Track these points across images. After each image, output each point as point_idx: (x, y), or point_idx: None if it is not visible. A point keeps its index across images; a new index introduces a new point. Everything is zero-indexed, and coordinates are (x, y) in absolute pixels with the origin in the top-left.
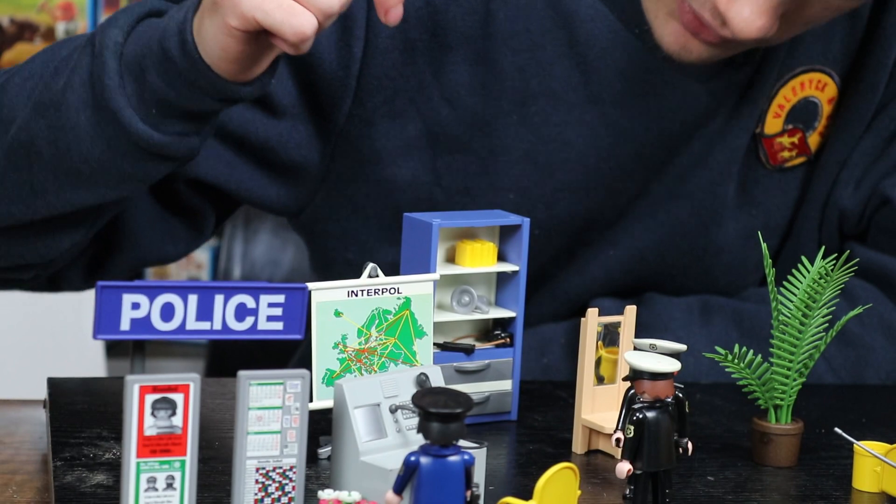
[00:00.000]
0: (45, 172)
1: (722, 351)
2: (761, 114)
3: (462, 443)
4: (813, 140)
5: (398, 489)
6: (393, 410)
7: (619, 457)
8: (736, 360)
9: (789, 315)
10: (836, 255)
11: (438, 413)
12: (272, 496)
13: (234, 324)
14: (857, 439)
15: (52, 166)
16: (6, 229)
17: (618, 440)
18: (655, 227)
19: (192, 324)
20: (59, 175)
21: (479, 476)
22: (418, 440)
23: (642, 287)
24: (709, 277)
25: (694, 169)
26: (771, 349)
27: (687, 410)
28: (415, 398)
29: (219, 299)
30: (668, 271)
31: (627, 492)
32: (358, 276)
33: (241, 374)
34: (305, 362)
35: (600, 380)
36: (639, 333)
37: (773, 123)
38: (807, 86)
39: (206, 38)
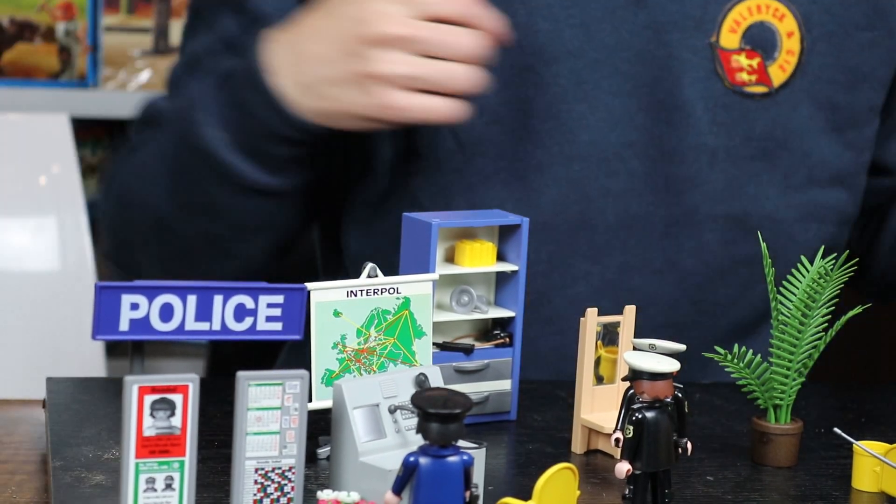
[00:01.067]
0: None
1: (722, 351)
2: (715, 22)
3: (461, 443)
4: (774, 72)
5: (397, 490)
6: (392, 411)
7: (618, 457)
8: (735, 360)
9: (789, 315)
10: (835, 255)
11: (437, 413)
12: (271, 497)
13: (233, 324)
14: (857, 439)
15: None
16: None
17: (617, 440)
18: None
19: (191, 324)
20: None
21: (478, 476)
22: (417, 440)
23: None
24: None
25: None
26: (770, 349)
27: (686, 410)
28: (414, 398)
29: (218, 300)
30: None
31: (627, 492)
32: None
33: (241, 374)
34: (297, 361)
35: (599, 380)
36: None
37: (729, 37)
38: (763, 10)
39: (330, 110)
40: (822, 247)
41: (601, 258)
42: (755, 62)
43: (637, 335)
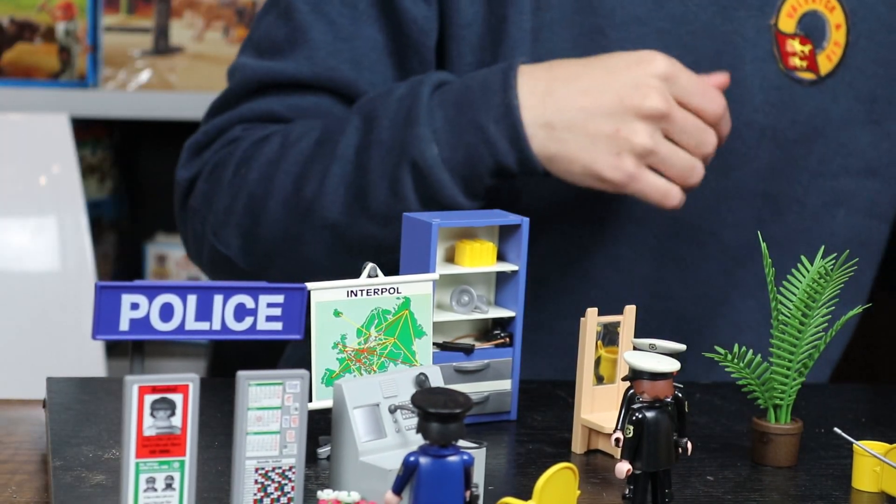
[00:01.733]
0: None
1: (722, 351)
2: (776, 4)
3: (461, 443)
4: (822, 61)
5: (397, 489)
6: (392, 410)
7: (618, 457)
8: (735, 360)
9: (789, 314)
10: (835, 254)
11: (437, 413)
12: (271, 496)
13: (233, 324)
14: (857, 439)
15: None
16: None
17: (617, 440)
18: None
19: (191, 324)
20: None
21: (478, 476)
22: (417, 440)
23: None
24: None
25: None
26: (771, 349)
27: (686, 410)
28: (414, 398)
29: (218, 299)
30: None
31: (627, 492)
32: None
33: (241, 374)
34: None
35: (600, 379)
36: None
37: (786, 21)
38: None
39: (566, 157)
40: (822, 247)
41: (646, 222)
42: (807, 49)
43: (675, 308)
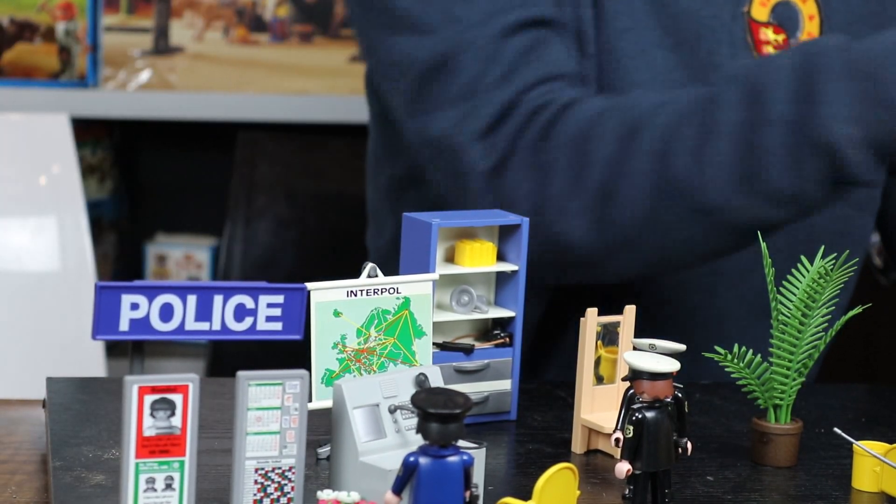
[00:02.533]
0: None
1: (722, 351)
2: None
3: (461, 443)
4: None
5: (397, 490)
6: (392, 411)
7: (618, 457)
8: (735, 360)
9: (789, 315)
10: (835, 254)
11: (437, 413)
12: (271, 497)
13: (233, 324)
14: (857, 439)
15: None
16: None
17: (617, 440)
18: None
19: (191, 324)
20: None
21: (478, 476)
22: (417, 440)
23: None
24: None
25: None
26: (770, 349)
27: (686, 410)
28: (414, 398)
29: (218, 300)
30: None
31: (627, 492)
32: None
33: (240, 374)
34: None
35: (599, 379)
36: None
37: (759, 10)
38: None
39: None
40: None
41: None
42: (781, 38)
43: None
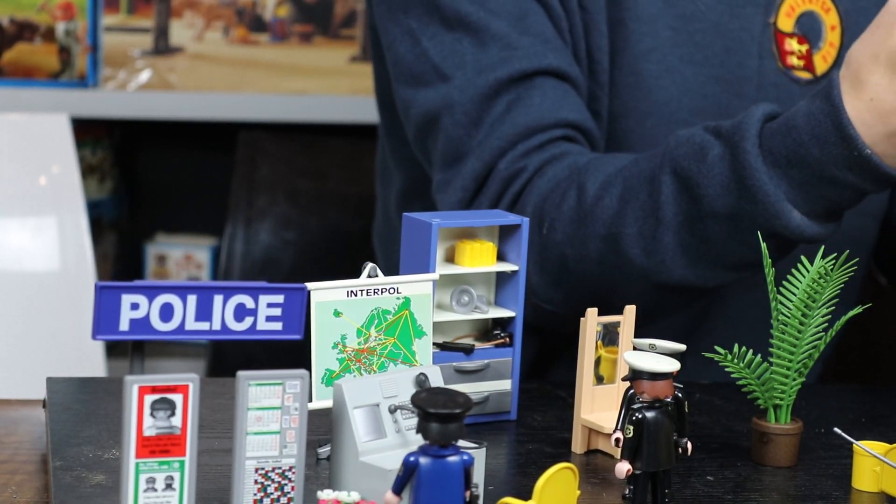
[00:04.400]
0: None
1: (722, 351)
2: (775, 3)
3: (461, 443)
4: (818, 61)
5: (397, 489)
6: (392, 411)
7: (618, 457)
8: (735, 360)
9: (789, 315)
10: (835, 254)
11: (437, 413)
12: (271, 496)
13: (233, 324)
14: (857, 439)
15: None
16: None
17: (617, 440)
18: None
19: (191, 324)
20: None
21: (478, 476)
22: (417, 440)
23: None
24: None
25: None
26: (770, 349)
27: (686, 410)
28: (414, 398)
29: (218, 299)
30: None
31: (627, 492)
32: None
33: (241, 374)
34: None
35: (600, 379)
36: None
37: (785, 21)
38: (814, 0)
39: None
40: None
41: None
42: (804, 48)
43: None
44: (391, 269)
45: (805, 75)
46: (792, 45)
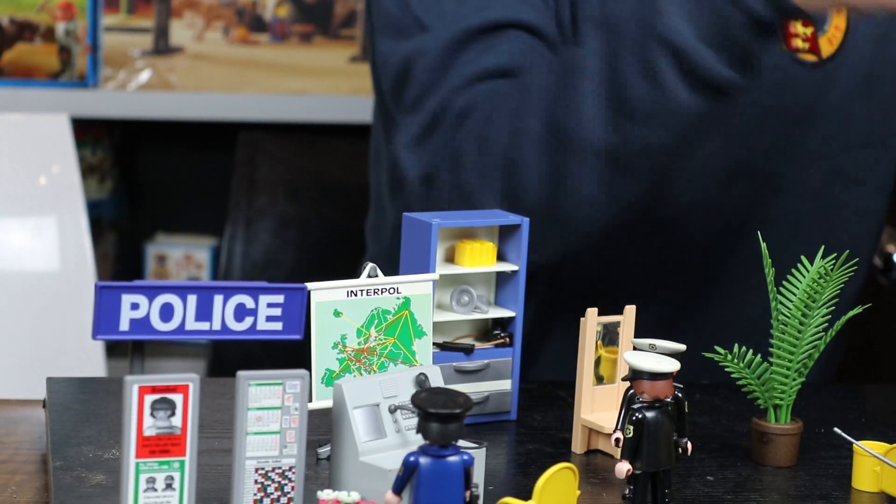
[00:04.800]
0: None
1: (722, 351)
2: None
3: (461, 443)
4: (823, 44)
5: (397, 489)
6: (392, 410)
7: (618, 457)
8: (735, 360)
9: (789, 315)
10: (835, 254)
11: (437, 413)
12: (271, 496)
13: (233, 324)
14: (857, 439)
15: None
16: None
17: (617, 440)
18: None
19: (191, 324)
20: None
21: (478, 476)
22: (417, 440)
23: None
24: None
25: None
26: (770, 349)
27: (686, 410)
28: (414, 398)
29: (218, 299)
30: None
31: (627, 492)
32: None
33: (241, 374)
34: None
35: (600, 379)
36: None
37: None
38: None
39: None
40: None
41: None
42: (809, 31)
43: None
44: (380, 254)
45: (810, 58)
46: (797, 27)
